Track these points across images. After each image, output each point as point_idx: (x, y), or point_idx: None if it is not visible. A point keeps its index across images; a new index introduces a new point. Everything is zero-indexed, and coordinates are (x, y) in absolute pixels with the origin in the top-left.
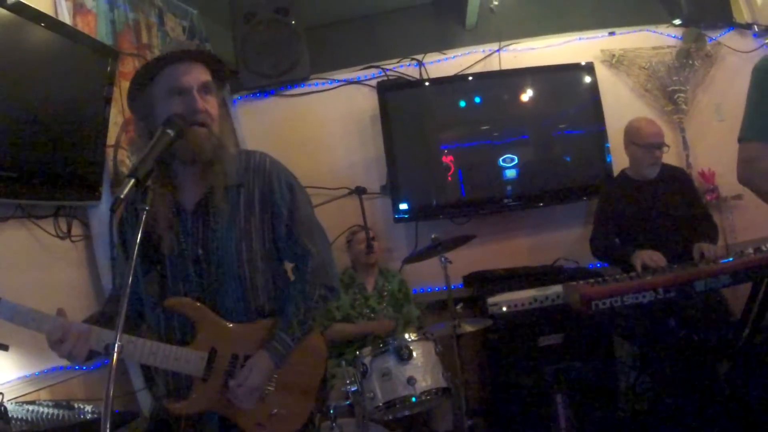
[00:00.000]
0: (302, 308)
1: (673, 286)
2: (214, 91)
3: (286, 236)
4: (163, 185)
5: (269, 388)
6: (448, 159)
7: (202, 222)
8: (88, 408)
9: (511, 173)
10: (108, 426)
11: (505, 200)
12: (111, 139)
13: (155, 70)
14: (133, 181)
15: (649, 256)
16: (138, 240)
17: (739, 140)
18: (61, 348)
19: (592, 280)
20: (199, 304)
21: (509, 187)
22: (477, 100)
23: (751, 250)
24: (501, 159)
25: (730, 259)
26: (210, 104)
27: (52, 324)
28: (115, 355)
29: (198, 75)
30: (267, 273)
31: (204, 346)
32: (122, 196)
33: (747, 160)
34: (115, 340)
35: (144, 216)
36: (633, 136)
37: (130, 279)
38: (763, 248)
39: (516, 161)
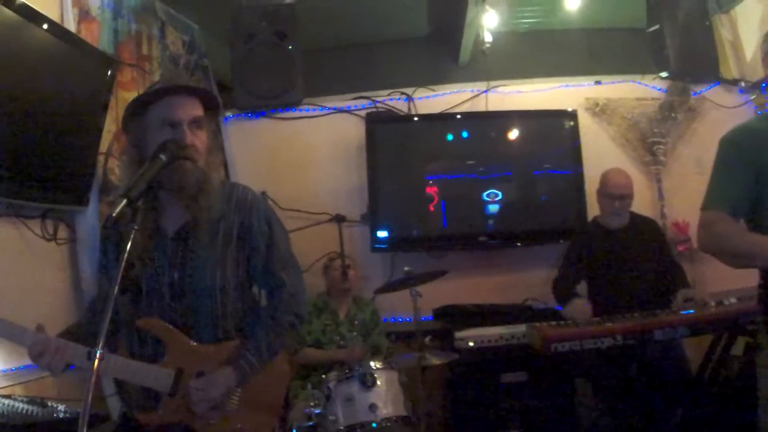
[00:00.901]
0: (272, 334)
1: (633, 333)
2: (204, 125)
3: (262, 268)
4: (148, 209)
5: (233, 403)
6: (432, 189)
7: (181, 248)
8: (61, 407)
9: (494, 208)
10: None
11: (481, 237)
12: (103, 146)
13: (152, 98)
14: (125, 201)
15: (576, 309)
16: (125, 257)
17: (701, 209)
18: (41, 361)
19: (554, 323)
20: (169, 326)
21: (491, 222)
22: (465, 134)
23: (713, 304)
24: (485, 193)
25: (691, 311)
26: (199, 139)
27: (32, 339)
28: (96, 361)
29: (190, 110)
30: (237, 301)
31: (172, 364)
32: (114, 215)
33: (704, 225)
34: (98, 347)
35: (132, 235)
36: (601, 184)
37: (116, 291)
38: (725, 302)
39: (500, 197)
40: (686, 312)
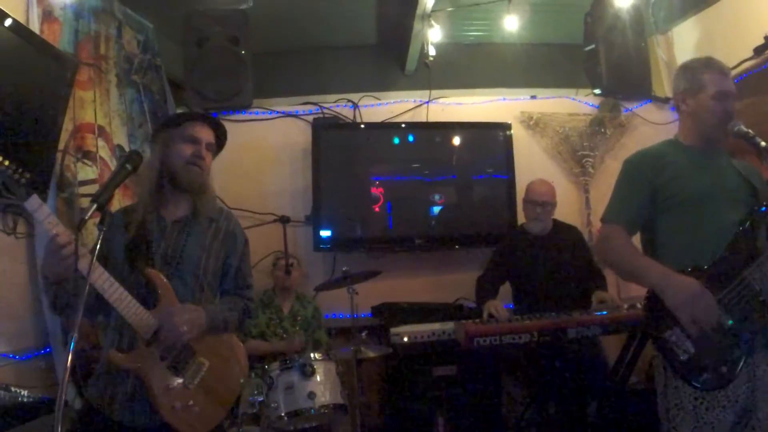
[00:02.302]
0: (232, 303)
1: (548, 331)
2: (213, 151)
3: (234, 272)
4: (151, 202)
5: (195, 381)
6: (378, 190)
7: (178, 231)
8: (24, 392)
9: (437, 210)
10: (62, 404)
11: (418, 240)
12: (60, 144)
13: (184, 118)
14: (95, 206)
15: (494, 307)
16: (96, 251)
17: (601, 220)
18: (63, 252)
19: (477, 320)
20: (167, 282)
21: (433, 223)
22: (410, 138)
23: (625, 306)
24: (430, 196)
25: (604, 312)
26: (208, 158)
27: (63, 229)
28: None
29: (209, 135)
30: (210, 287)
31: (159, 317)
32: (86, 218)
33: (602, 239)
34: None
35: (101, 235)
36: (525, 192)
37: (88, 279)
38: (638, 305)
39: (443, 199)
40: (600, 313)
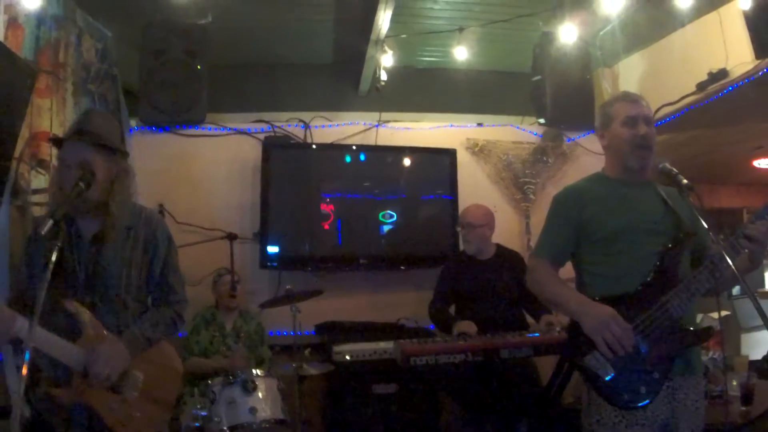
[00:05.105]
0: (156, 318)
1: (481, 351)
2: (95, 165)
3: (159, 275)
4: (69, 217)
5: (134, 393)
6: (328, 207)
7: (96, 249)
8: None
9: (387, 228)
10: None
11: (362, 260)
12: (15, 152)
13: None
14: (51, 221)
15: (466, 326)
16: (51, 267)
17: (529, 254)
18: None
19: (415, 340)
20: (89, 311)
21: (383, 242)
22: (362, 157)
23: (558, 329)
24: (379, 214)
25: (536, 334)
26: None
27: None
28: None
29: (78, 154)
30: (136, 300)
31: (87, 345)
32: (44, 233)
33: (529, 270)
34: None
35: (56, 250)
36: (461, 216)
37: (43, 295)
38: None
39: (394, 218)
40: (531, 335)
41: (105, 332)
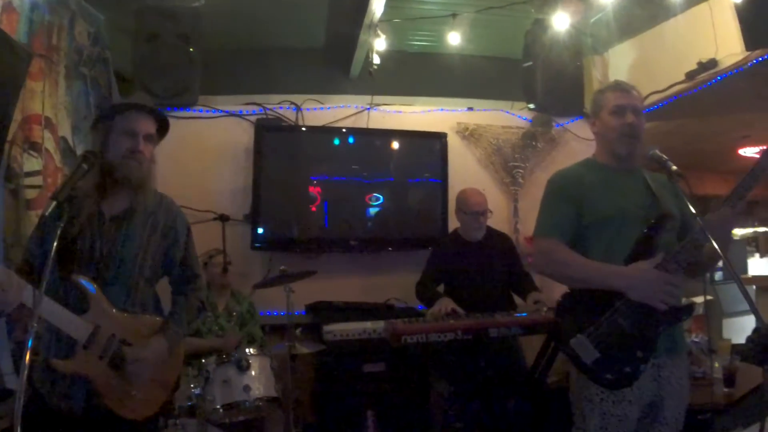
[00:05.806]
0: (187, 309)
1: (471, 330)
2: (153, 141)
3: (180, 262)
4: (94, 195)
5: (135, 371)
6: (315, 190)
7: (115, 228)
8: None
9: (374, 211)
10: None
11: (353, 242)
12: (9, 135)
13: (121, 109)
14: (55, 203)
15: (445, 303)
16: (54, 246)
17: (534, 236)
18: (2, 294)
19: (406, 319)
20: (99, 291)
21: (369, 224)
22: (351, 140)
23: (545, 308)
24: (367, 197)
25: (524, 314)
26: (147, 150)
27: (2, 272)
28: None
29: (147, 126)
30: (148, 283)
31: (91, 320)
32: (47, 214)
33: (543, 253)
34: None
35: (59, 231)
36: (461, 204)
37: (47, 273)
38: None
39: (381, 201)
40: (519, 315)
41: (113, 310)
